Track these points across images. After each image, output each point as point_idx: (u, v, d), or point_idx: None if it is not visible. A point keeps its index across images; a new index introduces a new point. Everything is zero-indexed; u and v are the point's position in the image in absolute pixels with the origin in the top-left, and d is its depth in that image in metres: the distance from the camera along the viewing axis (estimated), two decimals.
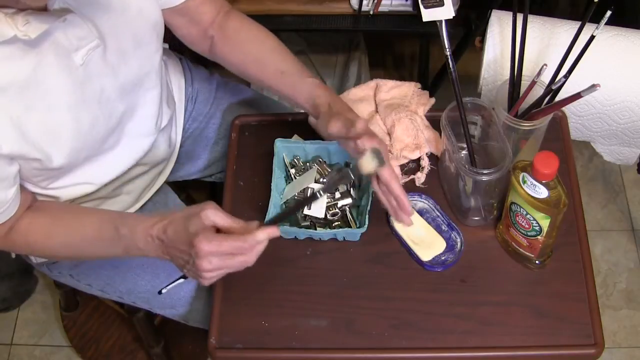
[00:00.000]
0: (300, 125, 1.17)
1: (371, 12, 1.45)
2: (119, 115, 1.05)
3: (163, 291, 0.98)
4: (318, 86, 1.04)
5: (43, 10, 0.87)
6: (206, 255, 0.86)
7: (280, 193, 1.11)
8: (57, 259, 1.22)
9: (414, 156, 1.15)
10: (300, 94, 1.03)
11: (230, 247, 0.87)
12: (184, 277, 0.96)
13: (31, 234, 1.00)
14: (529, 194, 0.94)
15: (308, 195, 1.08)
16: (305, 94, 1.03)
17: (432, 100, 1.21)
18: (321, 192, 0.92)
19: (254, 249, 0.88)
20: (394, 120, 1.16)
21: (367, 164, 0.89)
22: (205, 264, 0.87)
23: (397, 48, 2.21)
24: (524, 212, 0.97)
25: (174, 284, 0.97)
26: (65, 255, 1.05)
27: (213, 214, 0.87)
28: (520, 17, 1.07)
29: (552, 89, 1.02)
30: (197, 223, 0.87)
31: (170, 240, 0.90)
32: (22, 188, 0.99)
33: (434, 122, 1.18)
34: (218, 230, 0.89)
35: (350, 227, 1.09)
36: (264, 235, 0.87)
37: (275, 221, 0.93)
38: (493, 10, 1.27)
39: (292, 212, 0.99)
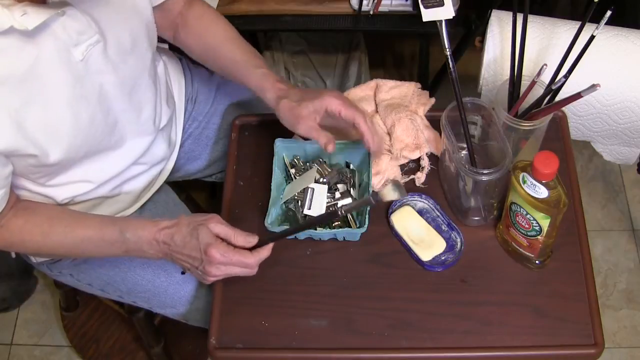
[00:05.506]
0: None
1: (371, 12, 1.44)
2: (116, 113, 1.05)
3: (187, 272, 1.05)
4: (266, 77, 1.08)
5: (41, 2, 0.87)
6: (216, 264, 0.97)
7: (280, 193, 1.11)
8: (52, 257, 1.23)
9: (414, 156, 1.15)
10: (249, 82, 1.09)
11: (237, 262, 0.97)
12: None
13: (26, 233, 1.02)
14: (529, 194, 0.94)
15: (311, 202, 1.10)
16: (254, 83, 1.08)
17: (432, 100, 1.21)
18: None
19: (257, 265, 0.99)
20: (394, 120, 1.15)
21: (389, 194, 0.93)
22: (214, 270, 0.97)
23: (397, 48, 2.21)
24: (524, 212, 0.97)
25: None
26: (61, 253, 1.11)
27: (217, 227, 0.97)
28: (520, 17, 1.07)
29: (552, 89, 1.02)
30: (207, 233, 0.96)
31: (177, 246, 0.99)
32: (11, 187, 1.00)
33: (434, 122, 1.18)
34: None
35: (350, 227, 1.08)
36: (266, 253, 0.99)
37: (275, 238, 1.00)
38: (493, 10, 1.27)
39: (294, 232, 1.01)
